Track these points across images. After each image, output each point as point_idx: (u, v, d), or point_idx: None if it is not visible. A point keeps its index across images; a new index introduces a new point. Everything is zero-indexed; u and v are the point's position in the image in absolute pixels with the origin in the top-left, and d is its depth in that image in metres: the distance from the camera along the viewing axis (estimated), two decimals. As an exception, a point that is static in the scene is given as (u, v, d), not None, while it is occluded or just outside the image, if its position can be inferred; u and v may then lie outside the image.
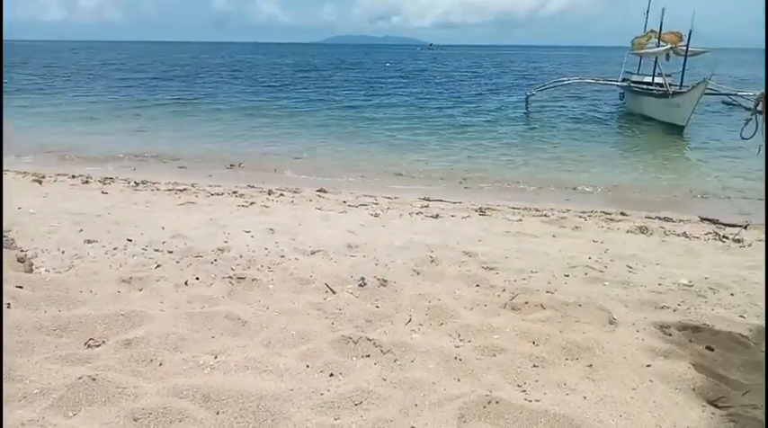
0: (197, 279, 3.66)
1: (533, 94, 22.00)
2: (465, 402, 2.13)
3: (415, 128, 15.90)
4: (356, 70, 46.42)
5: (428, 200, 7.79)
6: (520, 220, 6.43)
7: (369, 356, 2.63)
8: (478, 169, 10.66)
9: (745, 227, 6.33)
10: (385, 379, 2.34)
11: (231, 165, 10.46)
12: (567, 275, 4.17)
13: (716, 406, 2.16)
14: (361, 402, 2.20)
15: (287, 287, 3.59)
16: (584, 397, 2.20)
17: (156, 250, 4.22)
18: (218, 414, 2.09)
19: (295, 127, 15.87)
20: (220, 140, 13.37)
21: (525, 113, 19.72)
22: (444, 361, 2.55)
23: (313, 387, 2.33)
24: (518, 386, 2.37)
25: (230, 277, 3.72)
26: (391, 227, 5.81)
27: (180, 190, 7.54)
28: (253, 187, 8.07)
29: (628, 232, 5.98)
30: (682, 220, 6.66)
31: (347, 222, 5.79)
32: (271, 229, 5.14)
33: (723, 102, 20.74)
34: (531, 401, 2.14)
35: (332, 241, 4.76)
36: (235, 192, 7.50)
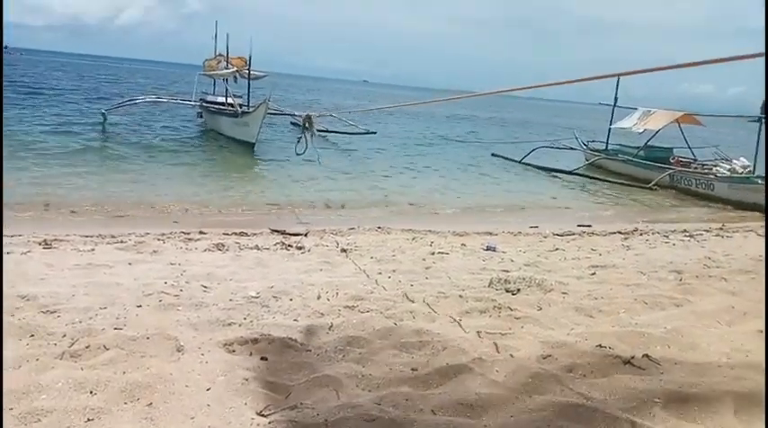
0: None
1: (108, 111, 20.78)
2: (-12, 494, 1.79)
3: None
4: None
5: (-26, 235, 6.44)
6: (92, 250, 5.91)
7: None
8: (50, 194, 9.38)
9: (306, 235, 7.31)
10: None
11: None
12: (140, 305, 4.02)
13: (262, 416, 2.38)
14: None
15: None
16: (137, 444, 2.13)
17: None
18: None
19: None
20: None
21: (102, 132, 18.42)
22: (-32, 447, 2.10)
23: None
24: (65, 450, 2.13)
25: None
26: None
27: None
28: None
29: (205, 250, 6.16)
30: (255, 233, 7.24)
31: None
32: None
33: (291, 123, 23.70)
34: (74, 467, 1.95)
35: None
36: None
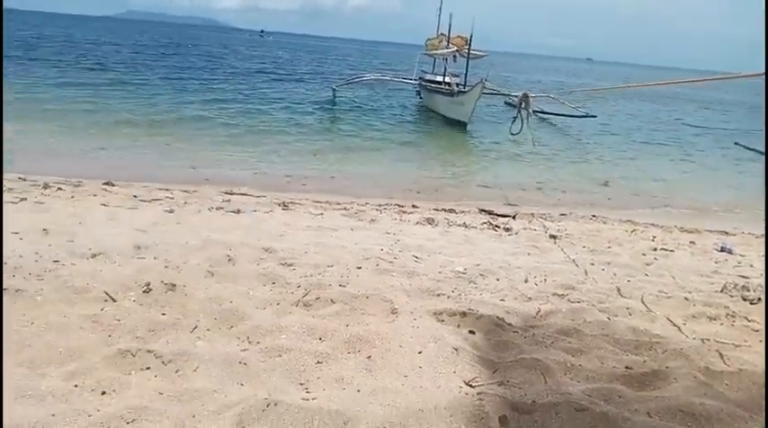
0: (-58, 294, 3.15)
1: (338, 87, 22.66)
2: (244, 407, 2.15)
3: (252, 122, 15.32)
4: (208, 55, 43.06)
5: (231, 193, 7.60)
6: (321, 214, 6.59)
7: (149, 368, 2.52)
8: (291, 165, 10.65)
9: (514, 217, 7.24)
10: (162, 393, 2.26)
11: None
12: (360, 267, 4.39)
13: (470, 386, 2.46)
14: (134, 419, 2.10)
15: (59, 297, 3.25)
16: (358, 390, 2.36)
17: None
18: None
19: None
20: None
21: (332, 109, 20.18)
22: (228, 367, 2.54)
23: (80, 408, 2.16)
24: (300, 384, 2.45)
25: (-13, 289, 3.26)
26: (187, 224, 5.57)
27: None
28: (24, 180, 7.12)
29: (417, 223, 6.46)
30: (463, 211, 7.38)
31: (137, 220, 5.41)
32: (44, 230, 4.60)
33: (505, 103, 23.38)
34: (309, 400, 2.24)
35: (117, 241, 4.42)
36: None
